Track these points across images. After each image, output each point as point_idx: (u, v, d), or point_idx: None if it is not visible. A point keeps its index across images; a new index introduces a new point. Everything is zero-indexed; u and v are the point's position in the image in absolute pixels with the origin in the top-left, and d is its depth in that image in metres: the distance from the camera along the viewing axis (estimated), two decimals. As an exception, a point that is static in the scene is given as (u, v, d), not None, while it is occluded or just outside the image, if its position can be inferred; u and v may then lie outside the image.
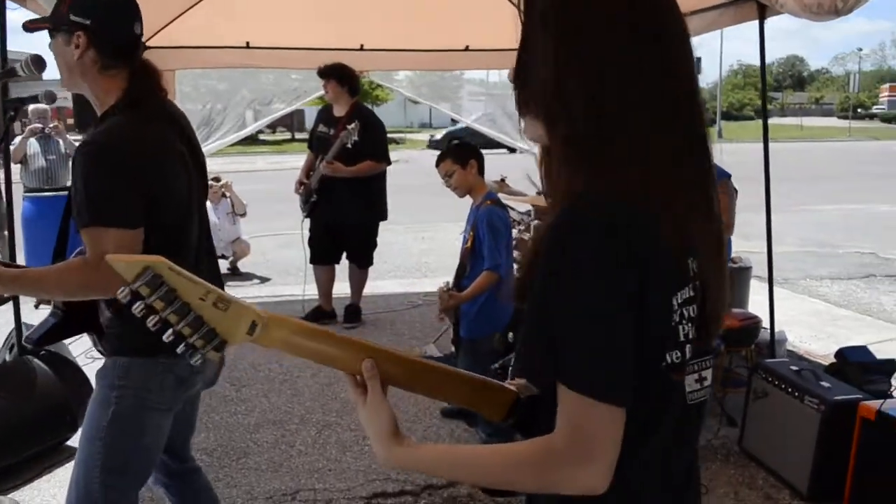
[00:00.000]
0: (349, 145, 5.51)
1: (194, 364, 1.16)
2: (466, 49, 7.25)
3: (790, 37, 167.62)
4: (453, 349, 5.14)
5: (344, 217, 5.83)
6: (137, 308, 1.13)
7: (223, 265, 7.93)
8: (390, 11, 6.63)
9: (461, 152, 3.88)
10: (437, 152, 4.01)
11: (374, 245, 6.14)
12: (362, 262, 6.14)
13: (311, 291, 6.20)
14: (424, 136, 35.85)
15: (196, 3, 5.82)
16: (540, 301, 1.10)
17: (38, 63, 2.20)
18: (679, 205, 1.10)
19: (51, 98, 2.92)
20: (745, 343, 4.27)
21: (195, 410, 2.46)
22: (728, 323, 4.29)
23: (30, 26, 2.12)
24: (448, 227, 11.18)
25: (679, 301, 1.11)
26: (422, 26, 6.86)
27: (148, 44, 5.86)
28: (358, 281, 6.19)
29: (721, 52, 53.62)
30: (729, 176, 4.28)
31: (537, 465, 1.08)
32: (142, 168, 2.00)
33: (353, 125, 5.53)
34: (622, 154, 1.08)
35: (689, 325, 1.13)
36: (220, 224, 7.68)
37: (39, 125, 6.84)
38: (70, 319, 2.23)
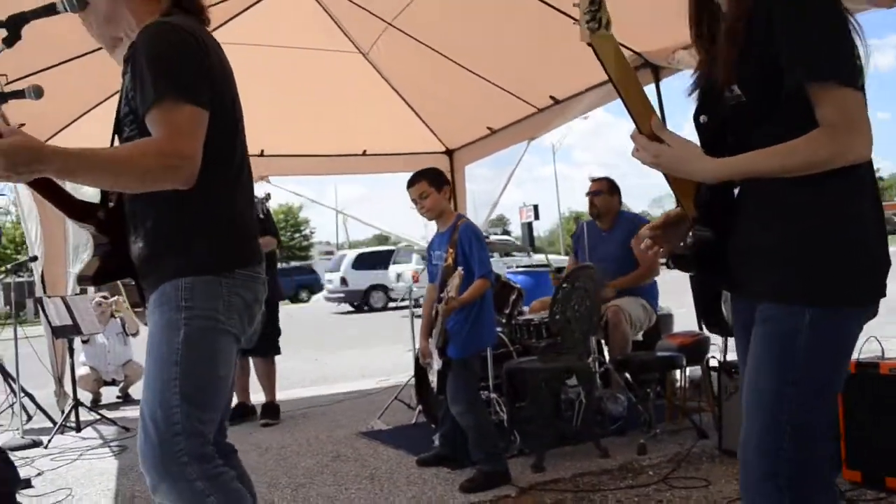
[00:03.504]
0: (261, 215, 5.41)
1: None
2: (364, 153, 7.49)
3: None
4: (417, 409, 5.00)
5: None
6: None
7: (113, 391, 7.29)
8: (290, 117, 6.80)
9: (437, 176, 3.93)
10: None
11: (279, 331, 5.78)
12: (268, 350, 5.69)
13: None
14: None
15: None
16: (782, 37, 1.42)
17: (81, 0, 2.10)
18: None
19: (39, 93, 2.78)
20: (701, 355, 4.45)
21: (234, 374, 2.22)
22: (680, 341, 4.50)
23: None
24: (338, 353, 10.94)
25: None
26: (322, 132, 7.07)
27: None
28: (266, 374, 5.77)
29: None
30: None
31: (831, 138, 1.40)
32: (210, 55, 1.91)
33: (262, 196, 5.50)
34: None
35: None
36: (109, 346, 7.11)
37: None
38: (118, 252, 2.02)
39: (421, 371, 4.65)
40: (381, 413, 5.32)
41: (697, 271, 1.70)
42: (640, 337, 5.08)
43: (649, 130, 1.54)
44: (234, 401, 5.71)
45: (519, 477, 3.74)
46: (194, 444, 1.85)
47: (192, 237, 1.92)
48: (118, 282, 2.13)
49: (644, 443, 4.04)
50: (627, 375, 4.80)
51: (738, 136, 1.53)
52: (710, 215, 1.59)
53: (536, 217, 25.68)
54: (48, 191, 1.98)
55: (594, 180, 5.35)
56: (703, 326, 1.95)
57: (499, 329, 4.87)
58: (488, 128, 6.91)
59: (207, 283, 1.91)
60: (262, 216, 5.43)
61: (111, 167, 1.73)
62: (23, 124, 5.44)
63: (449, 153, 7.72)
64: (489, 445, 3.71)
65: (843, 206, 1.46)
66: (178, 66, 1.82)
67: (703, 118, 1.62)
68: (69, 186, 2.12)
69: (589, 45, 1.50)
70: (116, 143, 2.09)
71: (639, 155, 1.57)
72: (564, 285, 4.44)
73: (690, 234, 1.63)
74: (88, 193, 2.31)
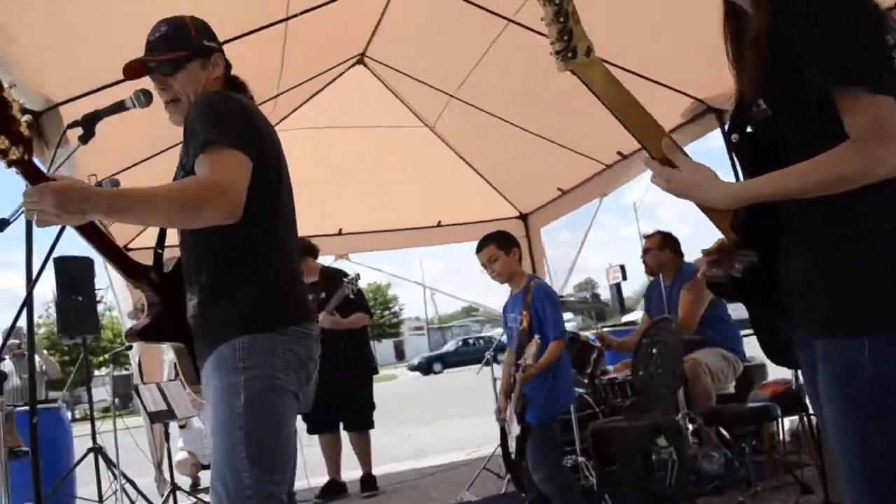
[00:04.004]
0: (352, 295, 5.54)
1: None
2: (439, 224, 7.59)
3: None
4: (506, 478, 4.89)
5: (339, 377, 5.59)
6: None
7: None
8: (365, 194, 7.00)
9: (505, 239, 3.92)
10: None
11: (373, 405, 5.87)
12: (363, 424, 5.81)
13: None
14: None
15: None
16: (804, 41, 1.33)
17: (148, 96, 2.25)
18: None
19: (115, 185, 2.96)
20: (797, 404, 4.21)
21: (296, 441, 2.24)
22: (772, 390, 4.29)
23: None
24: (428, 428, 10.88)
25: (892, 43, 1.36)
26: (396, 207, 7.22)
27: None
28: (363, 448, 5.84)
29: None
30: None
31: (858, 151, 1.28)
32: (256, 120, 2.05)
33: (352, 276, 5.63)
34: None
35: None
36: (206, 430, 7.28)
37: (16, 342, 6.59)
38: (168, 313, 2.11)
39: (506, 439, 4.57)
40: (469, 484, 5.23)
41: (736, 299, 1.62)
42: (731, 389, 4.86)
43: (661, 154, 1.46)
44: (326, 478, 5.76)
45: (612, 543, 3.59)
46: None
47: (245, 291, 1.99)
48: (175, 359, 2.20)
49: (744, 501, 3.83)
50: (723, 431, 4.58)
51: (766, 155, 1.44)
52: (749, 240, 1.51)
53: (624, 278, 25.20)
54: (104, 245, 2.06)
55: (645, 238, 5.25)
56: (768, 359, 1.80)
57: (581, 390, 4.76)
58: (559, 189, 6.91)
59: (263, 342, 1.96)
60: (352, 296, 5.56)
61: (156, 202, 1.83)
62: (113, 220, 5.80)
63: (523, 217, 7.73)
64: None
65: (869, 224, 1.33)
66: (224, 120, 1.95)
67: (734, 137, 1.54)
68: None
69: (572, 72, 1.46)
70: None
71: (655, 181, 1.49)
72: (644, 340, 4.32)
73: (736, 260, 1.54)
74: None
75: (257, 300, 1.98)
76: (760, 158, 1.45)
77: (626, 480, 4.03)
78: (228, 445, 1.89)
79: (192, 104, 2.04)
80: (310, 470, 5.63)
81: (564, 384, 3.75)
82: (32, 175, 1.77)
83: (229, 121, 1.94)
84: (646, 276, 5.29)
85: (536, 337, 3.48)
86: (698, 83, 4.80)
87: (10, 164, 1.75)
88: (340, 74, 6.00)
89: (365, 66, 6.06)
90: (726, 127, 1.58)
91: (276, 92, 5.32)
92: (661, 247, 5.11)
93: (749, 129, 1.48)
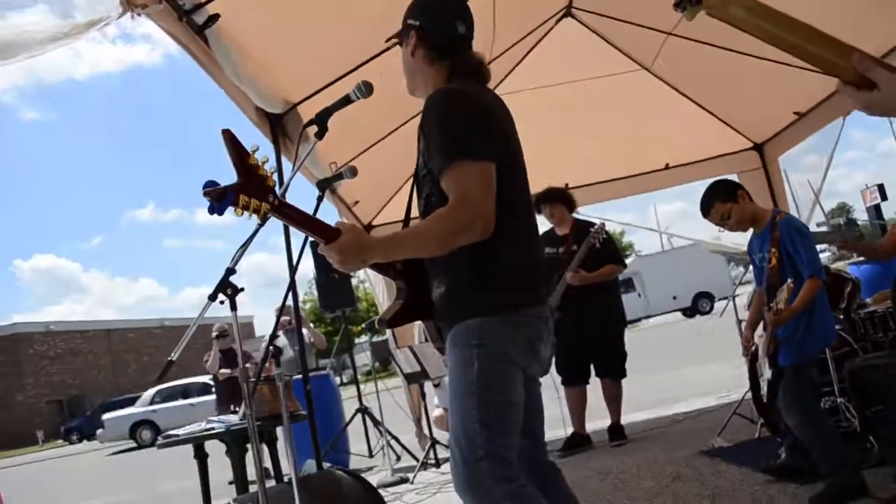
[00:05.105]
0: (598, 245, 5.58)
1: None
2: (666, 167, 7.37)
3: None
4: (759, 422, 4.75)
5: (590, 328, 5.68)
6: None
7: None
8: (589, 147, 6.96)
9: (725, 189, 3.70)
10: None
11: (625, 354, 5.89)
12: (616, 374, 5.87)
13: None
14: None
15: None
16: None
17: (368, 87, 2.44)
18: None
19: (353, 172, 3.23)
20: None
21: (539, 396, 2.36)
22: None
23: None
24: (674, 374, 10.69)
25: None
26: (621, 154, 7.12)
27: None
28: (615, 397, 5.89)
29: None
30: None
31: None
32: (491, 113, 2.13)
33: (598, 225, 5.65)
34: None
35: None
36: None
37: (287, 318, 7.40)
38: (414, 296, 2.27)
39: (756, 382, 4.40)
40: (720, 430, 5.11)
41: None
42: None
43: (854, 75, 1.19)
44: (569, 430, 5.90)
45: (880, 488, 3.36)
46: (497, 466, 2.02)
47: (482, 277, 2.11)
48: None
49: None
50: None
51: None
52: None
53: (884, 198, 22.56)
54: None
55: None
56: None
57: (837, 326, 4.45)
58: (795, 112, 6.40)
59: (494, 324, 2.09)
60: (598, 246, 5.62)
61: (417, 243, 2.05)
62: (357, 202, 6.29)
63: (757, 147, 7.28)
64: (836, 456, 3.38)
65: None
66: (463, 128, 2.05)
67: None
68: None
69: (710, 16, 1.24)
70: (415, 199, 2.37)
71: (856, 108, 1.26)
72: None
73: None
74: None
75: (492, 286, 2.10)
76: None
77: (894, 421, 3.73)
78: (463, 410, 2.06)
79: (426, 104, 2.13)
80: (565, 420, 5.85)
81: (822, 323, 3.50)
82: (292, 216, 1.99)
83: (466, 128, 2.04)
84: None
85: (789, 281, 3.28)
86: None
87: (264, 219, 1.98)
88: (550, 30, 5.99)
89: (573, 17, 5.99)
90: None
91: (489, 59, 5.44)
92: None
93: None
